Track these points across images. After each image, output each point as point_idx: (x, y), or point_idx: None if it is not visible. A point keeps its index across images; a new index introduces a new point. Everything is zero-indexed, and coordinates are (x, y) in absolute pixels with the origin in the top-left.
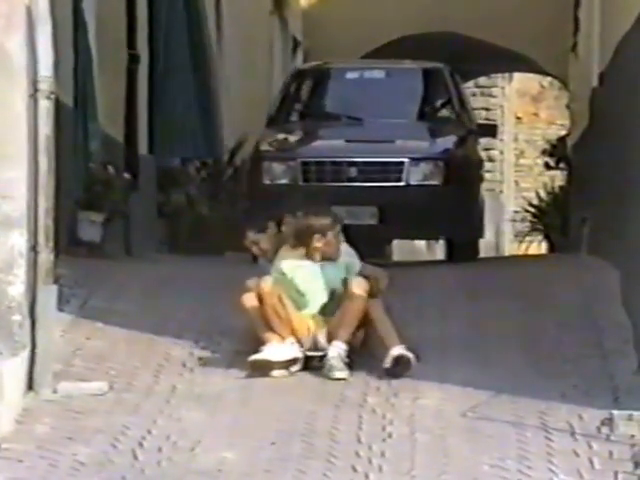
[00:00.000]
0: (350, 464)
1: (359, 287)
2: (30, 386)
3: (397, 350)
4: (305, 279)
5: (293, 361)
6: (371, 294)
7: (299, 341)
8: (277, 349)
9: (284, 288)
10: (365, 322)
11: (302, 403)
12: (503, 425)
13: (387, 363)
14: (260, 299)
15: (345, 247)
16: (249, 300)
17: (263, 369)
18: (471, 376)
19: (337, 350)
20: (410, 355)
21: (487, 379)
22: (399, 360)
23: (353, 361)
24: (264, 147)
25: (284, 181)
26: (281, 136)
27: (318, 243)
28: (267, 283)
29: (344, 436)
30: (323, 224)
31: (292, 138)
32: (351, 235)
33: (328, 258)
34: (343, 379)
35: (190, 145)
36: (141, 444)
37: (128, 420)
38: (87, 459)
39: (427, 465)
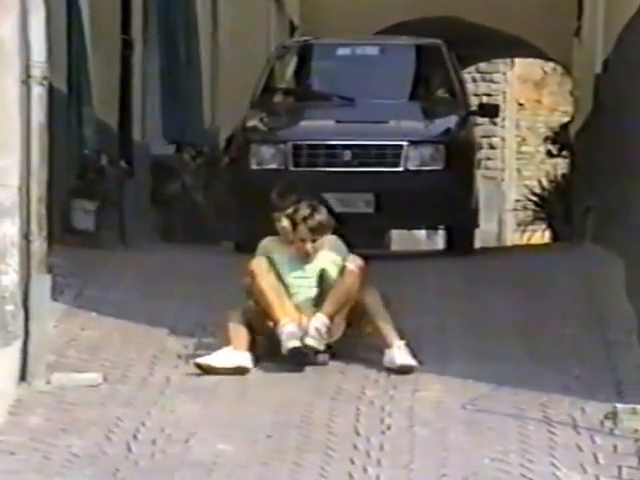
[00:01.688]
0: (348, 457)
1: (353, 263)
2: (23, 377)
3: (400, 358)
4: (290, 272)
5: (240, 369)
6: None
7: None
8: (226, 355)
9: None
10: (360, 311)
11: (299, 395)
12: (504, 418)
13: (389, 364)
14: (255, 281)
15: (334, 241)
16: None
17: (208, 371)
18: (471, 368)
19: (318, 323)
20: (414, 363)
21: (488, 371)
22: (402, 368)
23: (334, 343)
24: (250, 129)
25: (273, 166)
26: (268, 117)
27: (307, 245)
28: (263, 262)
29: (342, 428)
30: (316, 224)
31: (280, 119)
32: (345, 225)
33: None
34: (310, 348)
35: (174, 131)
36: (135, 436)
37: (122, 412)
38: (81, 451)
39: (426, 458)
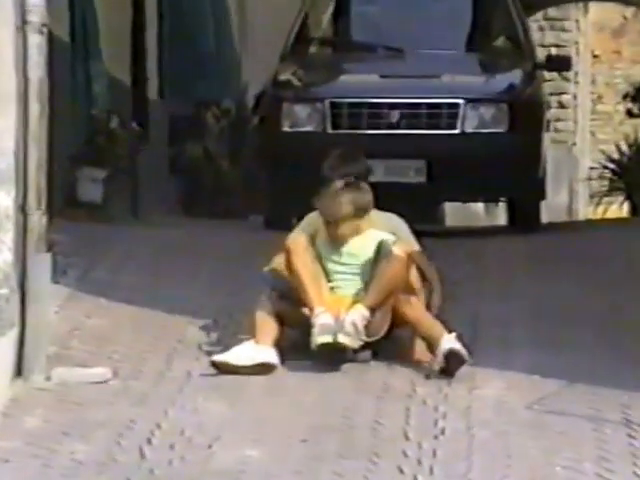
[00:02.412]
0: (396, 465)
1: (399, 247)
2: (19, 372)
3: (446, 343)
4: (327, 257)
5: (264, 366)
6: (411, 287)
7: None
8: (246, 351)
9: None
10: (402, 322)
11: (339, 393)
12: (577, 420)
13: (439, 362)
14: (289, 260)
15: (388, 220)
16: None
17: (226, 371)
18: (538, 361)
19: (355, 316)
20: (464, 351)
21: (558, 365)
22: (449, 356)
23: (375, 344)
24: (282, 85)
25: (309, 128)
26: (302, 71)
27: (337, 230)
28: (301, 239)
29: (389, 432)
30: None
31: (316, 74)
32: (392, 196)
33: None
34: (343, 346)
35: (203, 86)
36: (150, 440)
37: (135, 412)
38: (86, 458)
39: (487, 466)
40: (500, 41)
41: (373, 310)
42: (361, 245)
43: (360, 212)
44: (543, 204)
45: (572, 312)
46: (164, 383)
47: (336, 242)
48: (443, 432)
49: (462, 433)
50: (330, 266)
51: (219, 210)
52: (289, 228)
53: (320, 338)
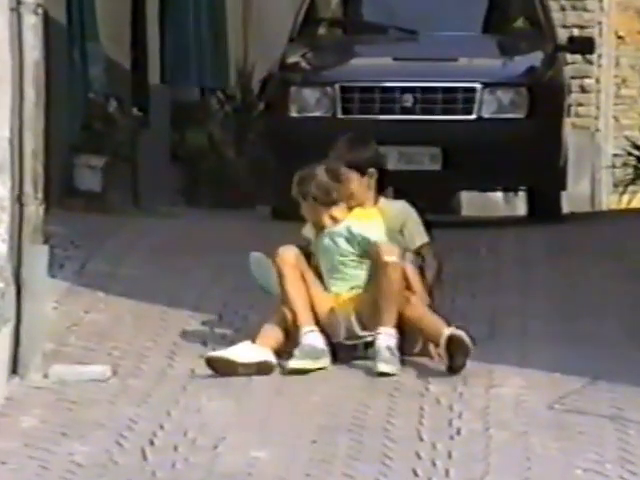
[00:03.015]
0: (409, 467)
1: (390, 253)
2: (15, 370)
3: (447, 332)
4: (318, 251)
5: (263, 365)
6: (409, 285)
7: (328, 330)
8: (244, 349)
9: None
10: (407, 323)
11: (350, 392)
12: (599, 420)
13: (443, 356)
14: (278, 274)
15: (401, 208)
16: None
17: (224, 369)
18: (559, 358)
19: (386, 339)
20: (462, 334)
21: (579, 362)
22: (450, 344)
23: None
24: (290, 69)
25: (318, 113)
26: (311, 54)
27: (332, 216)
28: (291, 253)
29: (401, 432)
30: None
31: (326, 57)
32: (406, 185)
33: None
34: (391, 374)
35: (198, 72)
36: (152, 441)
37: (135, 412)
38: (85, 459)
39: (505, 468)
40: (519, 22)
41: (398, 327)
42: (333, 239)
43: (323, 201)
44: (564, 193)
45: (594, 306)
46: (166, 381)
47: (317, 237)
48: (459, 432)
49: (479, 434)
50: (319, 263)
51: (224, 200)
52: (297, 219)
53: (295, 363)
